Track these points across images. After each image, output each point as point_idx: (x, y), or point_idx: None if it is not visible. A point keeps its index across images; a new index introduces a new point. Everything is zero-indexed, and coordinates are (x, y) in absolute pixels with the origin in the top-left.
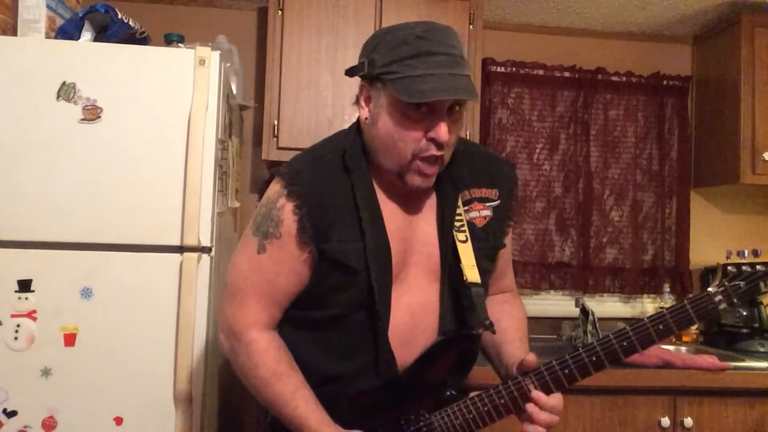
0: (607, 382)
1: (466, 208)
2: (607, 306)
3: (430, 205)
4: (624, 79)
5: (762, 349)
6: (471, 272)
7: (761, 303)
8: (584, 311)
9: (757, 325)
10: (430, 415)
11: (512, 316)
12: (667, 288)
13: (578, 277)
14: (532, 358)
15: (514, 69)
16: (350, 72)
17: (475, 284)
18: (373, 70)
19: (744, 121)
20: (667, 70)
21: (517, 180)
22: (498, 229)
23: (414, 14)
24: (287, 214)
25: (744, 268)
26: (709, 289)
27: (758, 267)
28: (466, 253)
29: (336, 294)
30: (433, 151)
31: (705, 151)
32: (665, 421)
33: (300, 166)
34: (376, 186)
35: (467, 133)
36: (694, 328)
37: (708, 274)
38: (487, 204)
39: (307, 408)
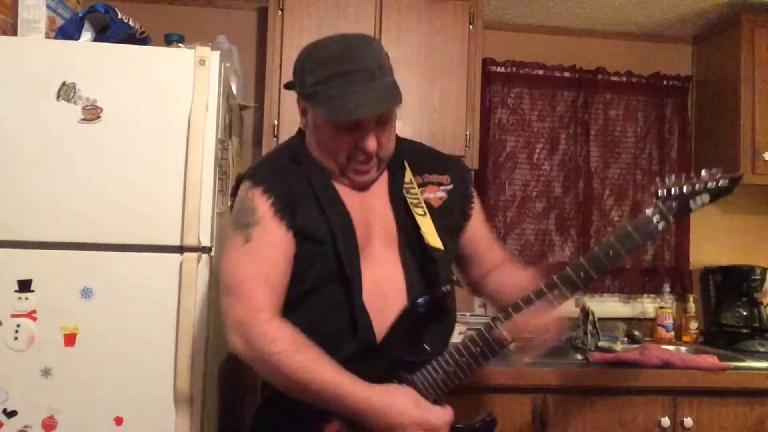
0: (607, 382)
1: (421, 189)
2: (607, 306)
3: (382, 183)
4: (624, 79)
5: (762, 349)
6: (433, 239)
7: (761, 303)
8: (584, 311)
9: (757, 325)
10: (411, 376)
11: (517, 275)
12: (667, 288)
13: None
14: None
15: (514, 69)
16: (287, 87)
17: (437, 249)
18: (303, 90)
19: (744, 121)
20: (667, 70)
21: (468, 169)
22: (457, 210)
23: (414, 14)
24: (259, 200)
25: (673, 190)
26: (646, 210)
27: (685, 188)
28: (426, 223)
29: (305, 269)
30: (362, 159)
31: (705, 151)
32: (665, 421)
33: (258, 164)
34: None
35: (467, 133)
36: (694, 327)
37: (708, 274)
38: (441, 187)
39: (335, 372)
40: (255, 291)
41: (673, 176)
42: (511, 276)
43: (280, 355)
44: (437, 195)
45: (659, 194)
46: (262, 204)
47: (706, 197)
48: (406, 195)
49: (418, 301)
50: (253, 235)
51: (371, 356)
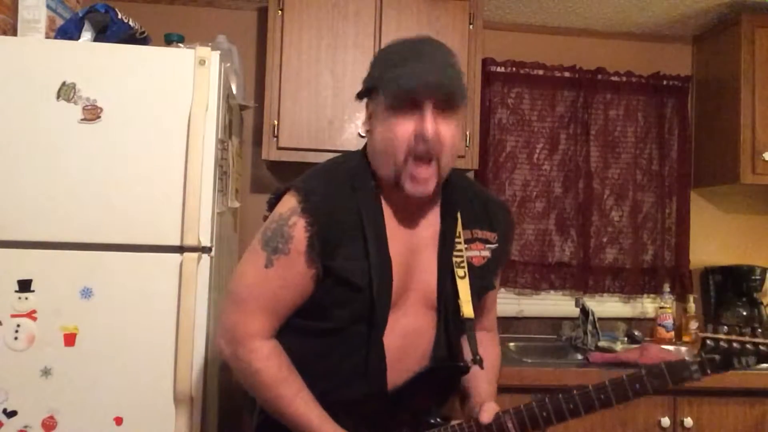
0: None
1: (467, 246)
2: (607, 306)
3: (434, 236)
4: (624, 79)
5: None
6: (467, 307)
7: (761, 303)
8: (584, 311)
9: (757, 325)
10: None
11: (486, 359)
12: (667, 288)
13: (578, 277)
14: (487, 417)
15: (514, 69)
16: (359, 96)
17: (469, 319)
18: (371, 82)
19: (744, 121)
20: (667, 70)
21: (513, 224)
22: (492, 271)
23: (414, 14)
24: (299, 231)
25: (722, 344)
26: (687, 358)
27: (734, 344)
28: (464, 289)
29: (337, 308)
30: (422, 148)
31: (705, 151)
32: (665, 421)
33: (315, 185)
34: (385, 209)
35: (467, 133)
36: (694, 327)
37: (708, 274)
38: (487, 246)
39: (307, 408)
40: (256, 314)
41: (726, 328)
42: (487, 353)
43: (259, 385)
44: (482, 254)
45: (706, 343)
46: (299, 236)
47: (752, 359)
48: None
49: (443, 366)
50: (275, 264)
51: (380, 403)
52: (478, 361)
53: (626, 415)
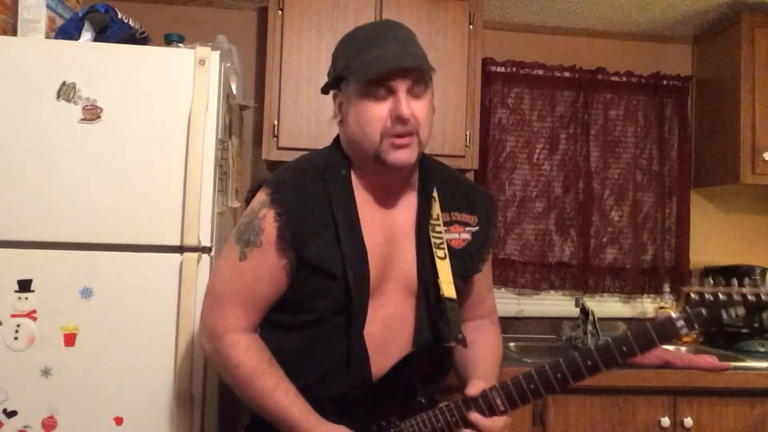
0: (607, 382)
1: (447, 228)
2: (607, 306)
3: (412, 222)
4: (624, 79)
5: (762, 349)
6: (448, 287)
7: None
8: (584, 311)
9: (757, 325)
10: (400, 422)
11: (483, 344)
12: (667, 288)
13: (578, 277)
14: (473, 390)
15: (514, 69)
16: (324, 89)
17: (450, 299)
18: (337, 72)
19: (744, 121)
20: (667, 70)
21: (495, 209)
22: (476, 254)
23: (413, 14)
24: (268, 222)
25: (707, 296)
26: (672, 314)
27: (721, 296)
28: (444, 269)
29: (315, 299)
30: (399, 129)
31: (705, 151)
32: (665, 421)
33: (285, 177)
34: (358, 198)
35: (467, 133)
36: None
37: (708, 274)
38: (467, 228)
39: (288, 399)
40: (233, 308)
41: (711, 280)
42: (485, 338)
43: (239, 378)
44: (461, 236)
45: (691, 298)
46: (269, 228)
47: (741, 310)
48: (430, 232)
49: (424, 348)
50: (249, 256)
51: (365, 394)
52: (461, 340)
53: (626, 415)
